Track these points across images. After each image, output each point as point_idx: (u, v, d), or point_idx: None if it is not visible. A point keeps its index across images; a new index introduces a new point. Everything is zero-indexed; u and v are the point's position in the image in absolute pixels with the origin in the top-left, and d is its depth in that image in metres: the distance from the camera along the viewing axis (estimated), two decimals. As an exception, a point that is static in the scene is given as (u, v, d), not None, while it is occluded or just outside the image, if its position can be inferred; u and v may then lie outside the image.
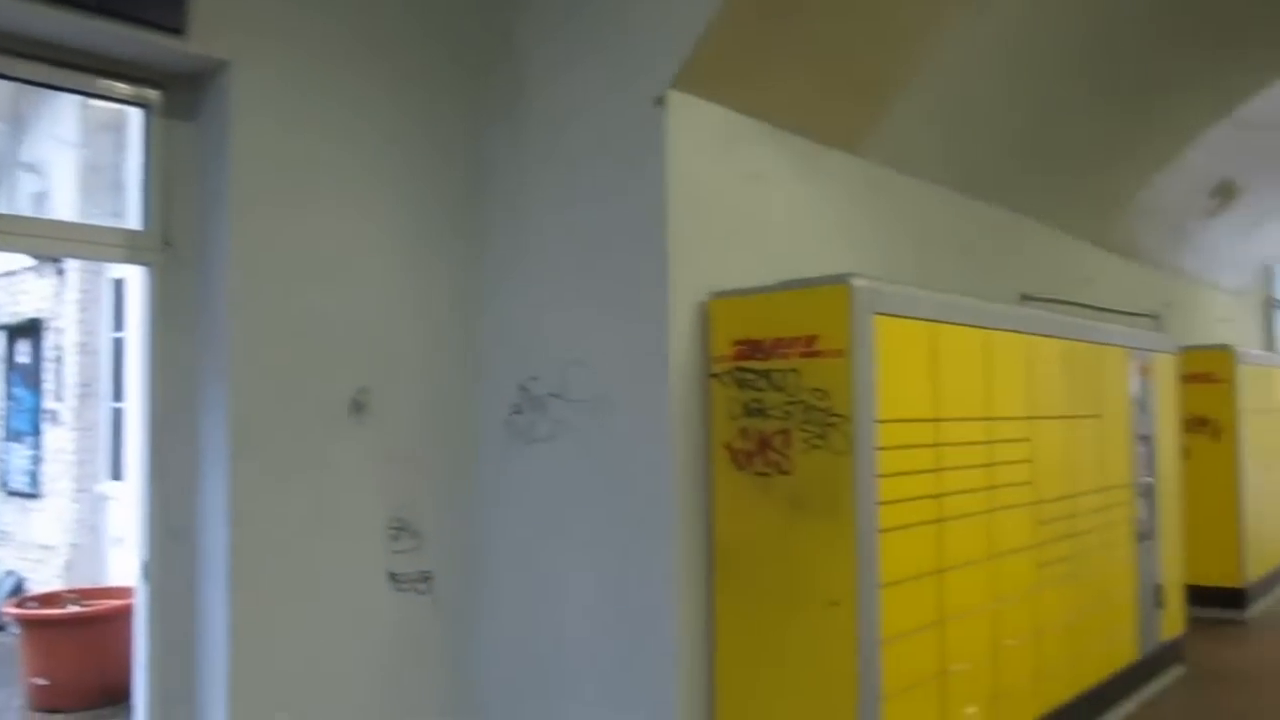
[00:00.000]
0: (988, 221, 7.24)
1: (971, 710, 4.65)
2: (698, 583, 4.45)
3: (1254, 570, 9.08)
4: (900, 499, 4.23)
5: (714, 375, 4.47)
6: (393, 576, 4.86)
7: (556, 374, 4.86)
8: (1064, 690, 5.54)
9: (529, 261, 5.07)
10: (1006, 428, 5.04)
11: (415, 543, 4.95)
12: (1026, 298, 7.51)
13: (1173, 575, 7.06)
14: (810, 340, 4.15)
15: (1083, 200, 8.40)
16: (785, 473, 4.21)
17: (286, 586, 4.44)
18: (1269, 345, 14.11)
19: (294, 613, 4.46)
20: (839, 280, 4.10)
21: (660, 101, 4.49)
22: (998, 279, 7.17)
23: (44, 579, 8.86)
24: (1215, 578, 8.72)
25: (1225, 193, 10.08)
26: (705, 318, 4.52)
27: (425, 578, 4.99)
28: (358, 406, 4.72)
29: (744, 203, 4.90)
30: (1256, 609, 9.09)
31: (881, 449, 4.11)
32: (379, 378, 4.82)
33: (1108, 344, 6.32)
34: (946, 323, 4.59)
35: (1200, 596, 8.23)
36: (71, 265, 8.87)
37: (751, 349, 4.33)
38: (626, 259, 4.63)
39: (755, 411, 4.31)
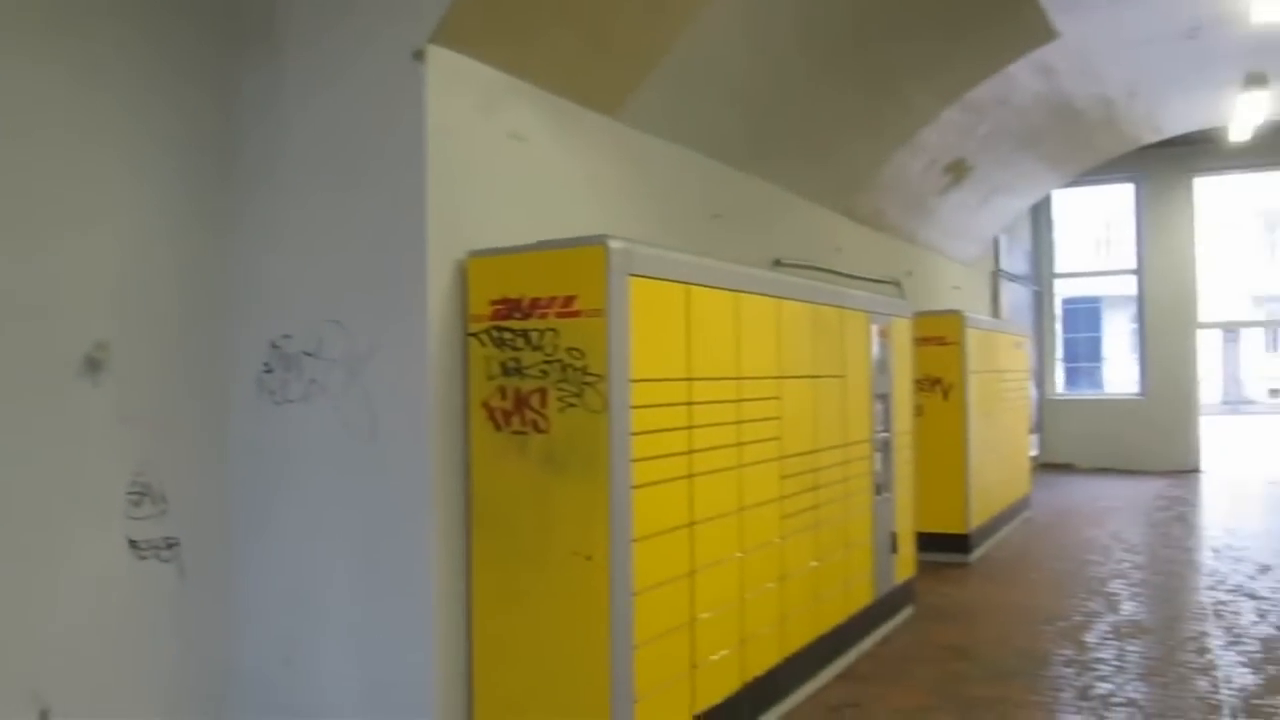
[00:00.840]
0: (743, 189, 7.52)
1: (720, 654, 4.88)
2: (454, 542, 4.47)
3: (977, 518, 9.91)
4: (653, 456, 4.37)
5: (472, 334, 4.47)
6: (133, 544, 4.62)
7: (310, 332, 4.74)
8: (807, 632, 5.89)
9: (284, 216, 4.89)
10: (756, 387, 5.28)
11: (159, 508, 4.72)
12: (779, 263, 7.86)
13: (905, 523, 7.61)
14: (568, 300, 4.21)
15: (832, 173, 8.85)
16: (542, 431, 4.28)
17: (11, 554, 4.13)
18: (995, 312, 15.36)
19: (20, 582, 4.17)
20: (595, 241, 4.17)
21: (419, 56, 4.42)
22: (751, 245, 7.48)
23: None
24: (943, 525, 9.48)
25: (958, 170, 10.86)
26: (463, 277, 4.51)
27: (170, 544, 4.76)
28: (93, 364, 4.44)
29: (504, 162, 4.91)
30: (978, 553, 9.93)
31: (635, 407, 4.23)
32: (119, 333, 4.54)
33: (851, 308, 6.70)
34: (699, 285, 4.75)
35: (930, 542, 8.93)
36: None
37: (510, 308, 4.36)
38: (384, 216, 4.55)
39: (513, 371, 4.35)
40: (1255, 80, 10.55)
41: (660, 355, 4.48)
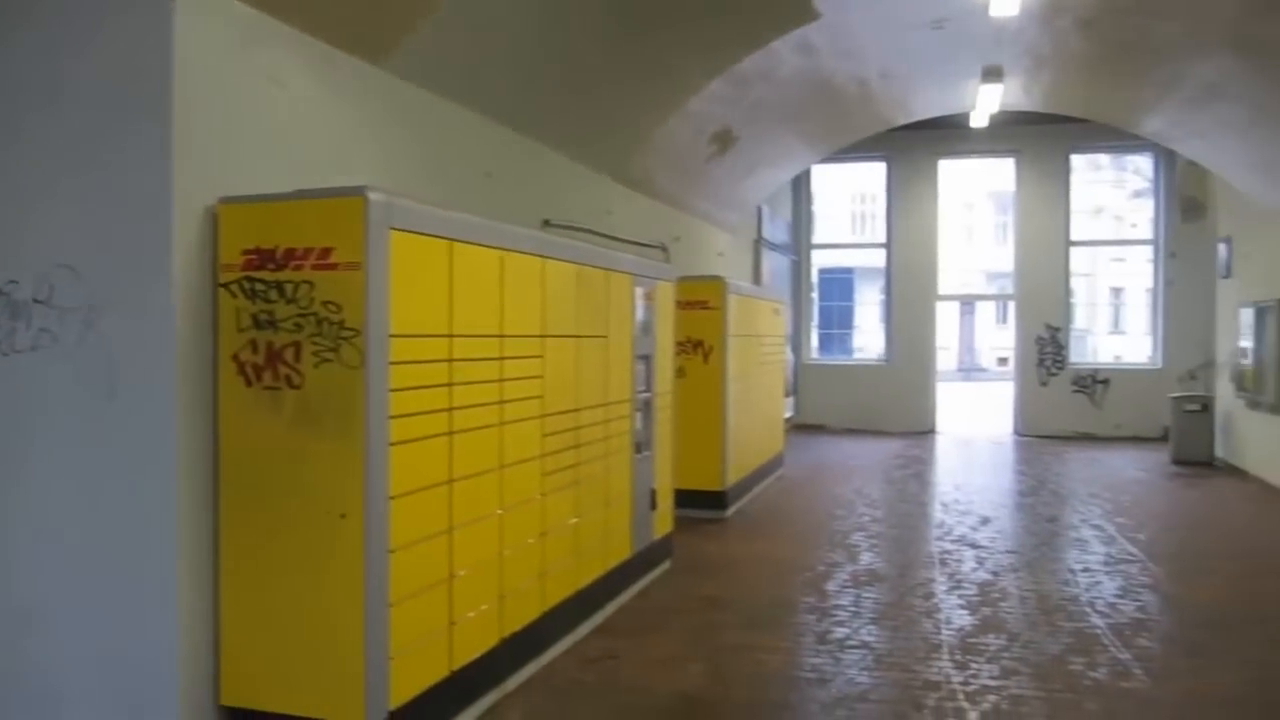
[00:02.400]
0: (515, 149, 7.50)
1: (479, 610, 4.92)
2: (201, 503, 4.28)
3: (733, 475, 10.35)
4: (412, 413, 4.33)
5: (222, 285, 4.28)
6: None
7: (40, 278, 4.40)
8: (567, 587, 6.02)
9: (14, 154, 4.49)
10: (518, 345, 5.31)
11: None
12: (548, 224, 7.90)
13: (665, 480, 7.87)
14: (324, 252, 4.10)
15: (603, 137, 8.95)
16: (296, 387, 4.16)
17: None
18: (756, 279, 15.98)
19: None
20: (354, 192, 4.07)
21: (167, -13, 4.16)
22: (521, 205, 7.48)
23: None
24: (701, 482, 9.86)
25: (724, 140, 11.20)
26: (214, 224, 4.30)
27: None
28: None
29: (262, 106, 4.70)
30: (734, 509, 10.39)
31: (394, 363, 4.18)
32: None
33: (617, 270, 6.82)
34: (463, 241, 4.72)
35: (688, 499, 9.26)
36: None
37: (263, 259, 4.20)
38: (127, 157, 4.26)
39: (266, 324, 4.20)
40: (991, 73, 11.38)
41: (421, 311, 4.43)
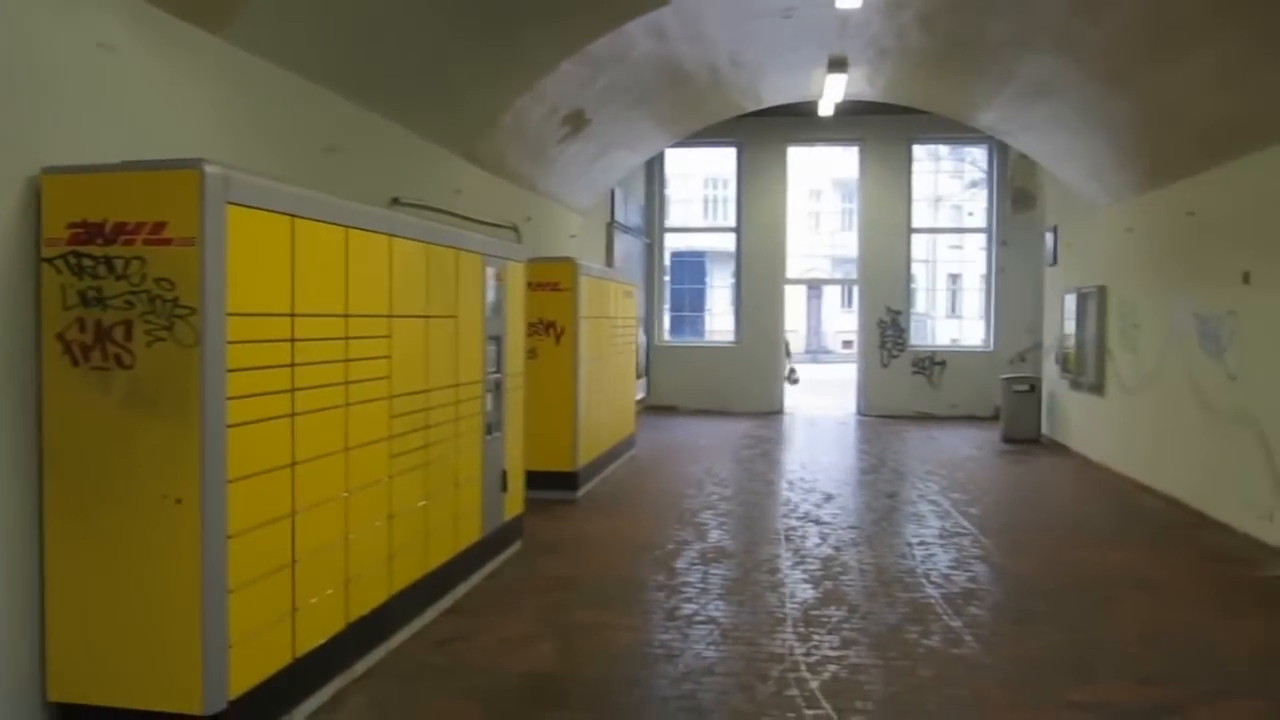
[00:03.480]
0: (361, 125, 7.33)
1: (324, 595, 4.82)
2: (22, 487, 4.06)
3: (584, 456, 10.40)
4: (252, 394, 4.20)
5: (46, 260, 4.06)
6: None
7: None
8: (416, 570, 5.95)
9: None
10: (365, 325, 5.21)
11: None
12: (397, 202, 7.76)
13: (516, 462, 7.85)
14: (158, 227, 3.94)
15: (454, 115, 8.82)
16: (127, 367, 3.99)
17: None
18: (609, 261, 16.05)
19: None
20: (190, 165, 3.92)
21: (-19, -58, 3.90)
22: (368, 182, 7.32)
23: None
24: (553, 463, 9.87)
25: (576, 121, 11.19)
26: (37, 196, 4.07)
27: None
28: None
29: (91, 73, 4.46)
30: (585, 490, 10.44)
31: (232, 343, 4.05)
32: None
33: (467, 250, 6.75)
34: (305, 218, 4.59)
35: (540, 480, 9.27)
36: None
37: (90, 233, 4.00)
38: (-64, 122, 3.99)
39: (94, 301, 4.01)
40: (837, 63, 11.68)
41: (261, 289, 4.29)
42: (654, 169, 19.34)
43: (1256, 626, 6.32)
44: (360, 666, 5.25)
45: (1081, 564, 7.90)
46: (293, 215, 4.49)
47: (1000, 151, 17.80)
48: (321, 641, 4.83)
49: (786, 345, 19.63)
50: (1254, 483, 8.38)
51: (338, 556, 5.00)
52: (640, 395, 16.17)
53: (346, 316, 5.01)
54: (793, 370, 19.51)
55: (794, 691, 5.11)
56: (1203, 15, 7.48)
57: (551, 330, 9.98)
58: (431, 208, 8.24)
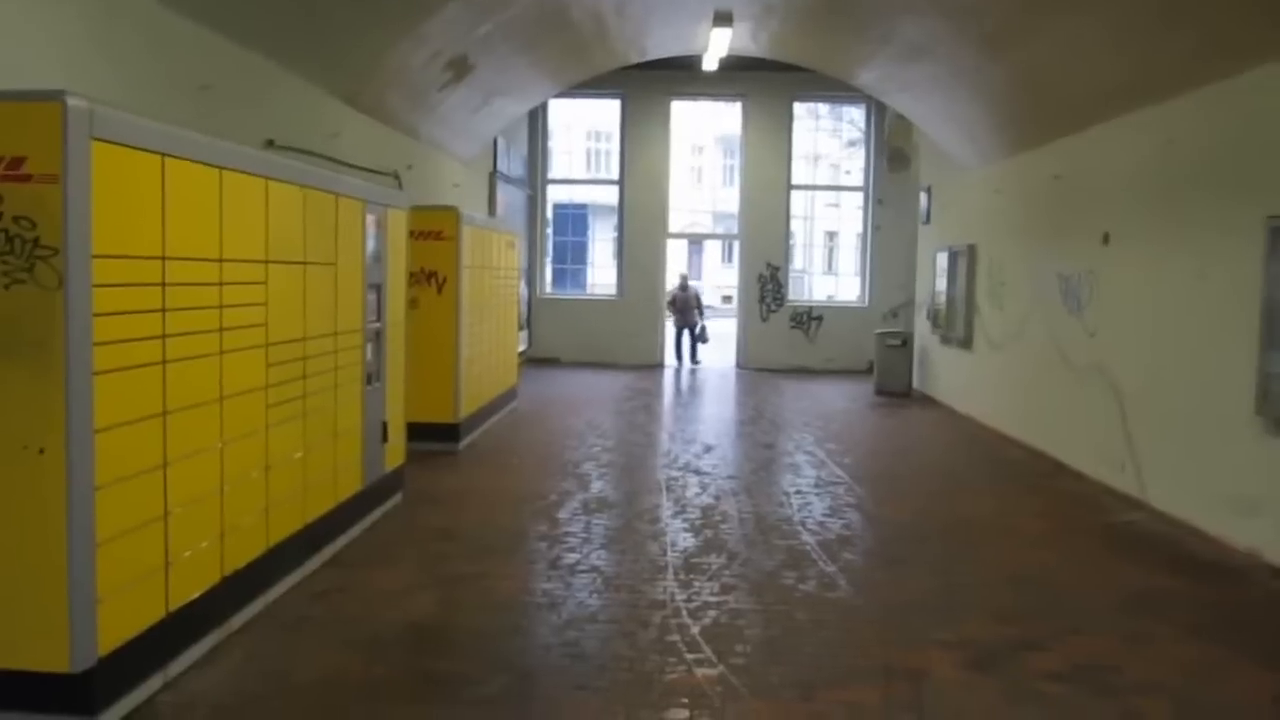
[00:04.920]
0: (236, 63, 7.05)
1: (199, 548, 4.69)
2: None
3: (466, 408, 10.33)
4: (119, 340, 4.03)
5: (-111, 196, 3.80)
6: None
7: None
8: (294, 521, 5.83)
9: None
10: (240, 270, 5.04)
11: None
12: (272, 145, 7.50)
13: (396, 413, 7.74)
14: (16, 162, 3.72)
15: (334, 57, 8.55)
16: (-17, 310, 3.77)
17: None
18: (491, 211, 15.86)
19: None
20: (52, 96, 3.71)
21: None
22: (241, 122, 7.05)
23: None
24: (434, 414, 9.78)
25: (459, 68, 10.96)
26: (-123, 126, 3.80)
27: None
28: None
29: (-67, -5, 4.18)
30: (467, 441, 10.38)
31: (99, 286, 3.87)
32: None
33: (346, 196, 6.58)
34: (177, 157, 4.39)
35: (421, 431, 9.17)
36: None
37: (-60, 168, 3.75)
38: None
39: (-55, 240, 3.77)
40: (722, 18, 11.70)
41: (129, 230, 4.11)
42: (537, 119, 19.13)
43: (1108, 568, 6.68)
44: (237, 620, 5.15)
45: (949, 511, 8.22)
46: (163, 154, 4.29)
47: (878, 112, 18.15)
48: (196, 595, 4.71)
49: (698, 300, 19.54)
50: (1108, 434, 8.82)
51: (213, 509, 4.87)
52: (522, 347, 16.09)
53: (220, 261, 4.84)
54: (703, 329, 19.33)
55: (675, 637, 5.21)
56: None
57: (433, 280, 9.83)
58: (309, 151, 8.00)
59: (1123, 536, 7.48)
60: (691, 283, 19.65)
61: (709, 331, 19.45)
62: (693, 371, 18.31)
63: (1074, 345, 9.73)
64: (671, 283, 19.53)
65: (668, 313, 19.36)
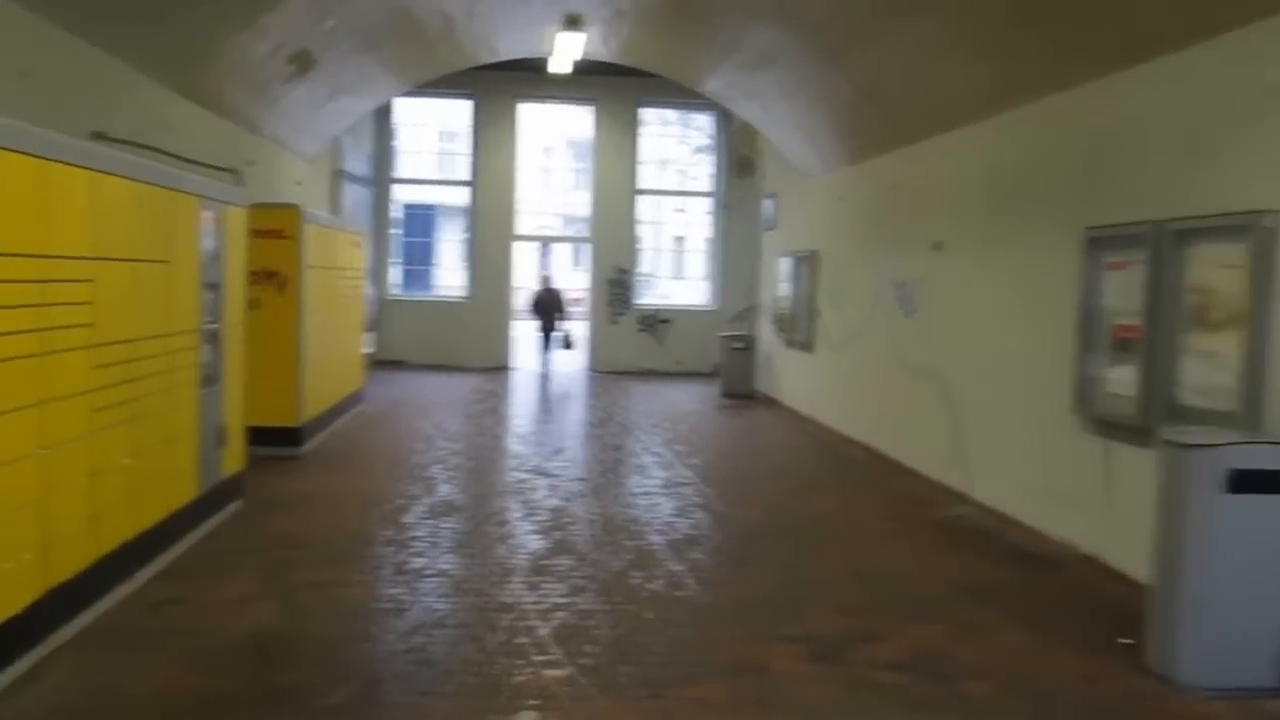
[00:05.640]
0: (57, 47, 6.70)
1: (18, 561, 4.44)
2: None
3: (309, 411, 10.06)
4: (-70, 338, 3.79)
5: None
6: None
7: None
8: (125, 530, 5.58)
9: None
10: (63, 267, 4.79)
11: None
12: (101, 137, 7.15)
13: (235, 416, 7.48)
14: None
15: (169, 46, 8.21)
16: None
17: None
18: (336, 210, 15.48)
19: None
20: None
21: None
22: (65, 112, 6.71)
23: None
24: (275, 418, 9.47)
25: (303, 62, 10.67)
26: None
27: None
28: None
29: None
30: (310, 445, 10.11)
31: (-94, 281, 3.62)
32: None
33: (181, 191, 6.33)
34: (-6, 147, 4.16)
35: (262, 435, 8.88)
36: None
37: None
38: None
39: None
40: (572, 21, 11.74)
41: (-60, 223, 3.87)
42: (384, 118, 18.76)
43: (940, 561, 6.99)
44: (65, 634, 4.89)
45: (794, 510, 8.45)
46: (-22, 143, 4.06)
47: (725, 119, 18.50)
48: (18, 610, 4.46)
49: (560, 303, 18.54)
50: (939, 433, 9.22)
51: (32, 518, 4.61)
52: (368, 349, 15.76)
53: (40, 258, 4.59)
54: (567, 334, 18.57)
55: (524, 639, 5.20)
56: (904, 5, 8.06)
57: (274, 280, 9.54)
58: (142, 144, 7.65)
59: (954, 531, 7.84)
60: (556, 285, 19.04)
61: (572, 338, 18.69)
62: (544, 375, 18.22)
63: (909, 348, 10.14)
64: (525, 284, 19.30)
65: (531, 315, 18.81)
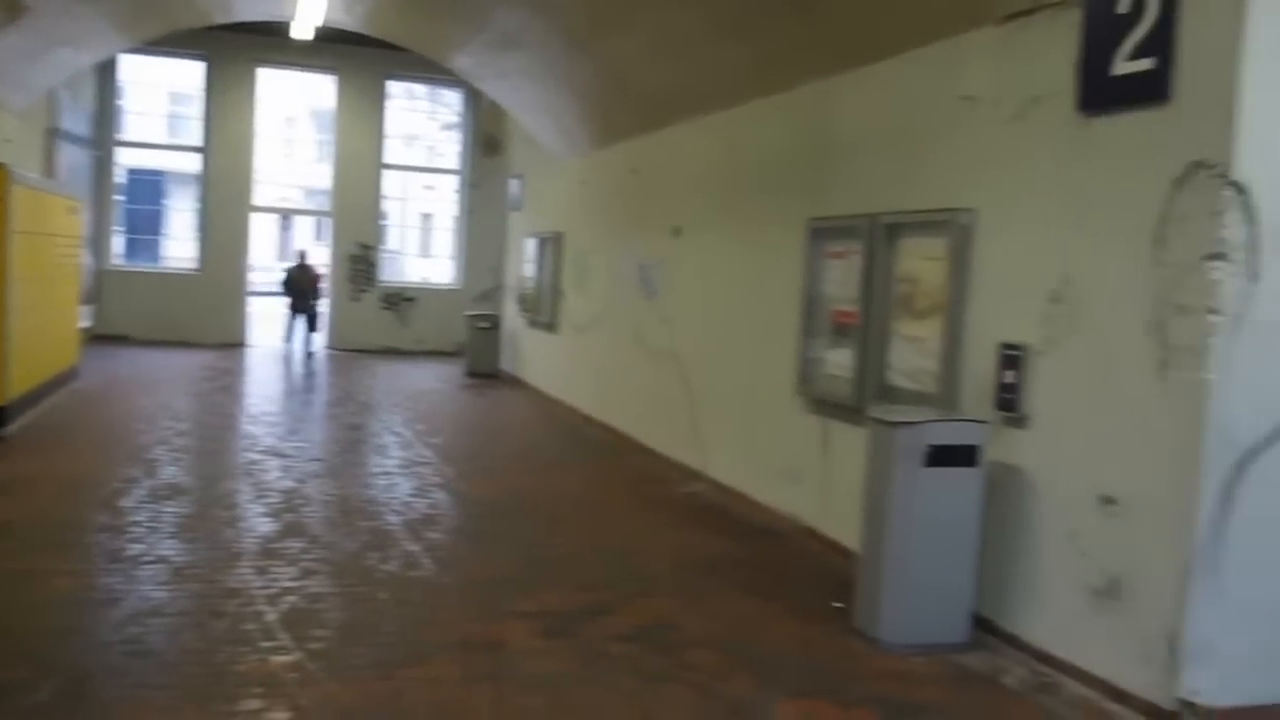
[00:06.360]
0: None
1: None
2: None
3: (17, 388, 9.28)
4: None
5: None
6: None
7: None
8: None
9: None
10: None
11: None
12: None
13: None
14: None
15: None
16: None
17: None
18: (49, 172, 14.28)
19: None
20: None
21: None
22: None
23: None
24: (-23, 396, 8.70)
25: (12, 9, 9.77)
26: None
27: None
28: None
29: None
30: (18, 425, 9.32)
31: None
32: None
33: None
34: None
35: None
36: None
37: None
38: None
39: None
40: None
41: None
42: (109, 75, 17.42)
43: (675, 536, 7.29)
44: None
45: (534, 488, 8.58)
46: None
47: (474, 97, 18.36)
48: None
49: (316, 280, 17.74)
50: (677, 413, 9.59)
51: None
52: (86, 323, 14.65)
53: None
54: (315, 317, 17.77)
55: (250, 625, 5.04)
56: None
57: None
58: None
59: (687, 506, 8.18)
60: (310, 262, 18.18)
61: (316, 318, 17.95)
62: (292, 355, 17.49)
63: (649, 330, 10.46)
64: (265, 257, 18.53)
65: (284, 293, 17.82)
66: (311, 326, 17.82)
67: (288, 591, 5.55)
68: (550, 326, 13.94)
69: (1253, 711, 4.37)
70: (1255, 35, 4.11)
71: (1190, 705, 4.26)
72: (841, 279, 7.00)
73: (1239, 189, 4.15)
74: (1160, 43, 4.44)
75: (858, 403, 6.59)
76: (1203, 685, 4.26)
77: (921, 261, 6.18)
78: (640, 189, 10.91)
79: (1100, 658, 4.69)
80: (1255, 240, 4.20)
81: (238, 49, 17.27)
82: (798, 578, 6.47)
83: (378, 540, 6.64)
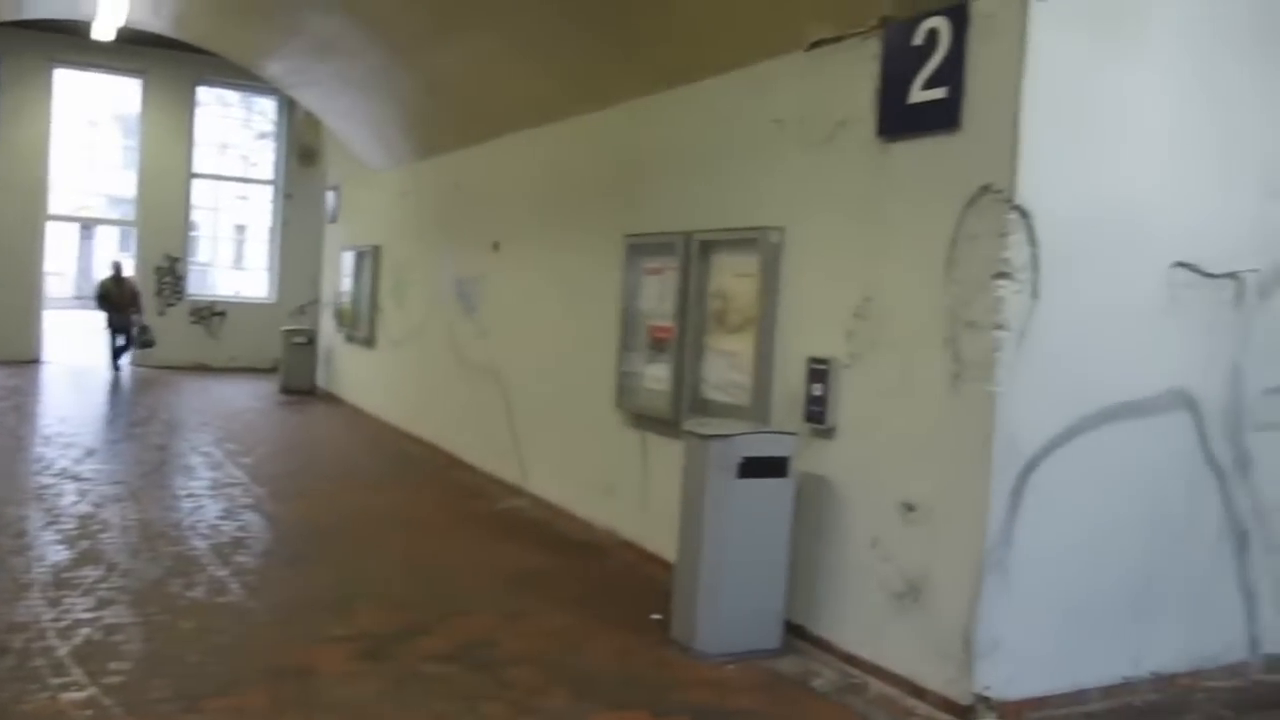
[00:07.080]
0: None
1: None
2: None
3: None
4: None
5: None
6: None
7: None
8: None
9: None
10: None
11: None
12: None
13: None
14: None
15: None
16: None
17: None
18: None
19: None
20: None
21: None
22: None
23: None
24: None
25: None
26: None
27: None
28: None
29: None
30: None
31: None
32: None
33: None
34: None
35: None
36: None
37: None
38: None
39: None
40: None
41: None
42: (-123, 68, 16.12)
43: (493, 552, 7.24)
44: None
45: (350, 507, 8.36)
46: None
47: (289, 105, 17.85)
48: None
49: (135, 294, 16.65)
50: (497, 429, 9.53)
51: None
52: None
53: None
54: (146, 329, 16.70)
55: (40, 661, 4.73)
56: (470, 8, 8.26)
57: None
58: None
59: (507, 522, 8.14)
60: (127, 275, 17.00)
61: (153, 332, 17.01)
62: (115, 372, 16.45)
63: (469, 345, 10.37)
64: (60, 269, 17.44)
65: (98, 308, 16.70)
66: (128, 344, 16.83)
67: (82, 623, 5.23)
68: (368, 342, 13.64)
69: (1041, 701, 4.69)
70: (1034, 69, 4.43)
71: (984, 699, 4.51)
72: (658, 295, 7.12)
73: (1021, 212, 4.45)
74: (951, 74, 4.72)
75: (674, 416, 6.71)
76: (994, 680, 4.53)
77: (734, 278, 6.35)
78: (461, 202, 10.82)
79: (902, 658, 4.92)
80: (1036, 260, 4.51)
81: (33, 47, 16.25)
82: (617, 591, 6.52)
83: (182, 566, 6.33)
